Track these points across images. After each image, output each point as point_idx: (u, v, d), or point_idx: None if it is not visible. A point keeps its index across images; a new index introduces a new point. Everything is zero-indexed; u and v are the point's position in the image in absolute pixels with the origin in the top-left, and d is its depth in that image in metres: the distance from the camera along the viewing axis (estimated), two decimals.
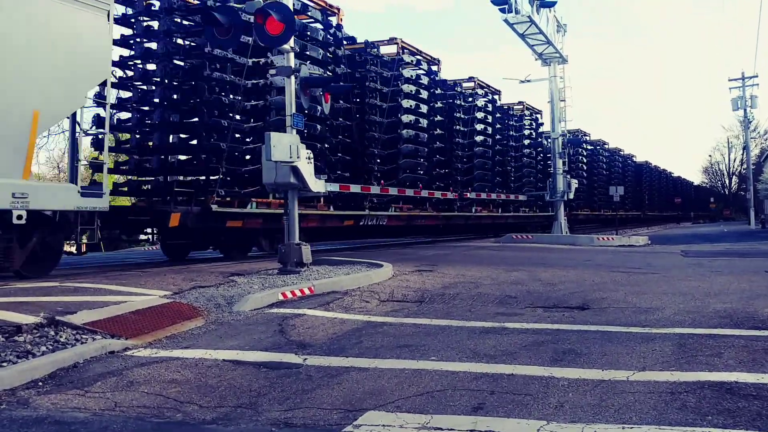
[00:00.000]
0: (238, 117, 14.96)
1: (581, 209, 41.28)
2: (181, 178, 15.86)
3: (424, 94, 22.38)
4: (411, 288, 9.87)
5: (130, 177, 16.52)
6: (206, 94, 14.00)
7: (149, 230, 16.66)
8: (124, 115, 15.65)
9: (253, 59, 14.83)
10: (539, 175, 33.67)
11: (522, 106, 33.89)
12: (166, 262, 14.42)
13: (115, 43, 13.91)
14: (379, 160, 19.99)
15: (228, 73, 14.42)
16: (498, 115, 29.42)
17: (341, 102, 17.95)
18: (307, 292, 9.09)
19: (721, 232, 38.16)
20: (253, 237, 16.09)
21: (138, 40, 14.98)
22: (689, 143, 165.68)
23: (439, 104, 24.08)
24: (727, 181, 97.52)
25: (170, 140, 15.14)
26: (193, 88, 14.35)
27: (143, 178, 15.87)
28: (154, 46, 14.71)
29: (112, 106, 13.49)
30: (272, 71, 14.86)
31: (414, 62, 22.32)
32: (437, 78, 23.97)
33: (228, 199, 14.32)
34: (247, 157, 15.15)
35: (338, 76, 17.40)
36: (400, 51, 21.35)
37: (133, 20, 14.90)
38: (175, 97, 14.98)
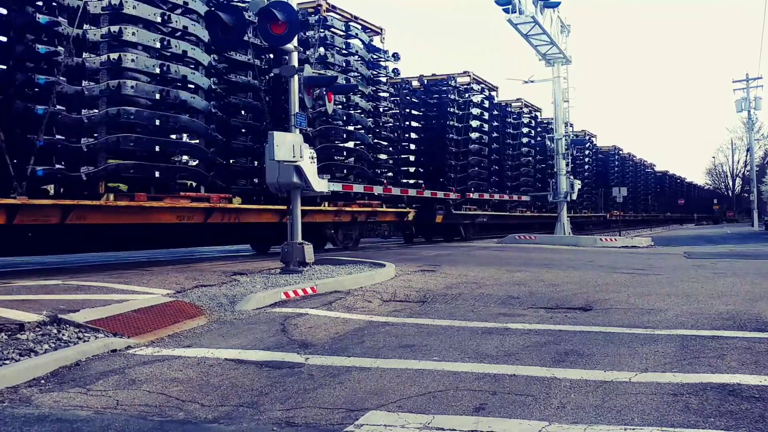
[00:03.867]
0: None
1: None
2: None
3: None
4: (413, 288, 9.86)
5: None
6: None
7: None
8: None
9: None
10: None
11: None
12: (168, 261, 14.40)
13: None
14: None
15: None
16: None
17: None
18: (309, 291, 9.08)
19: (725, 233, 38.07)
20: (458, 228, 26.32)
21: None
22: (693, 145, 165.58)
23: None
24: (730, 183, 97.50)
25: None
26: None
27: None
28: None
29: None
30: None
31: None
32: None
33: None
34: None
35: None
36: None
37: None
38: None
